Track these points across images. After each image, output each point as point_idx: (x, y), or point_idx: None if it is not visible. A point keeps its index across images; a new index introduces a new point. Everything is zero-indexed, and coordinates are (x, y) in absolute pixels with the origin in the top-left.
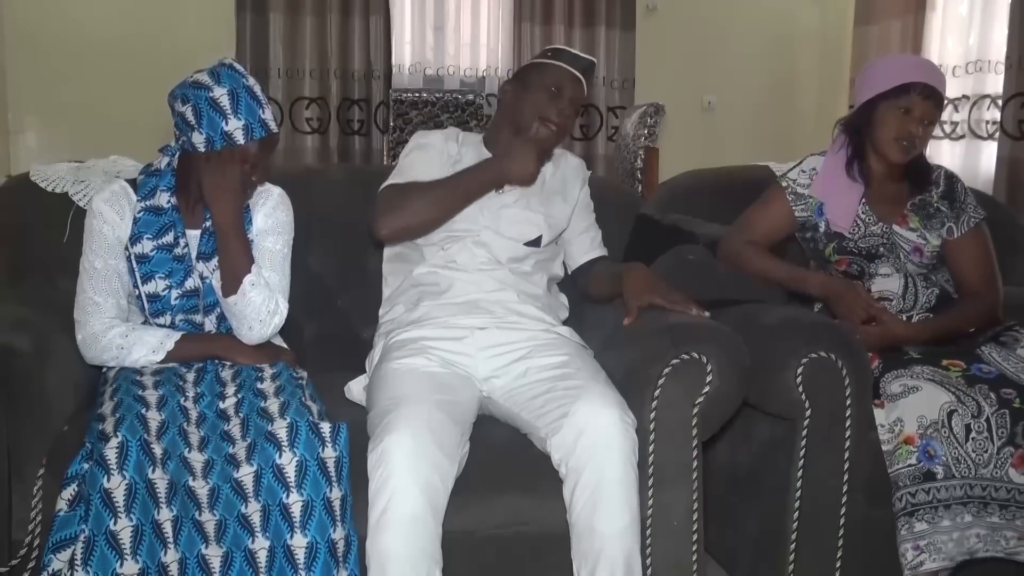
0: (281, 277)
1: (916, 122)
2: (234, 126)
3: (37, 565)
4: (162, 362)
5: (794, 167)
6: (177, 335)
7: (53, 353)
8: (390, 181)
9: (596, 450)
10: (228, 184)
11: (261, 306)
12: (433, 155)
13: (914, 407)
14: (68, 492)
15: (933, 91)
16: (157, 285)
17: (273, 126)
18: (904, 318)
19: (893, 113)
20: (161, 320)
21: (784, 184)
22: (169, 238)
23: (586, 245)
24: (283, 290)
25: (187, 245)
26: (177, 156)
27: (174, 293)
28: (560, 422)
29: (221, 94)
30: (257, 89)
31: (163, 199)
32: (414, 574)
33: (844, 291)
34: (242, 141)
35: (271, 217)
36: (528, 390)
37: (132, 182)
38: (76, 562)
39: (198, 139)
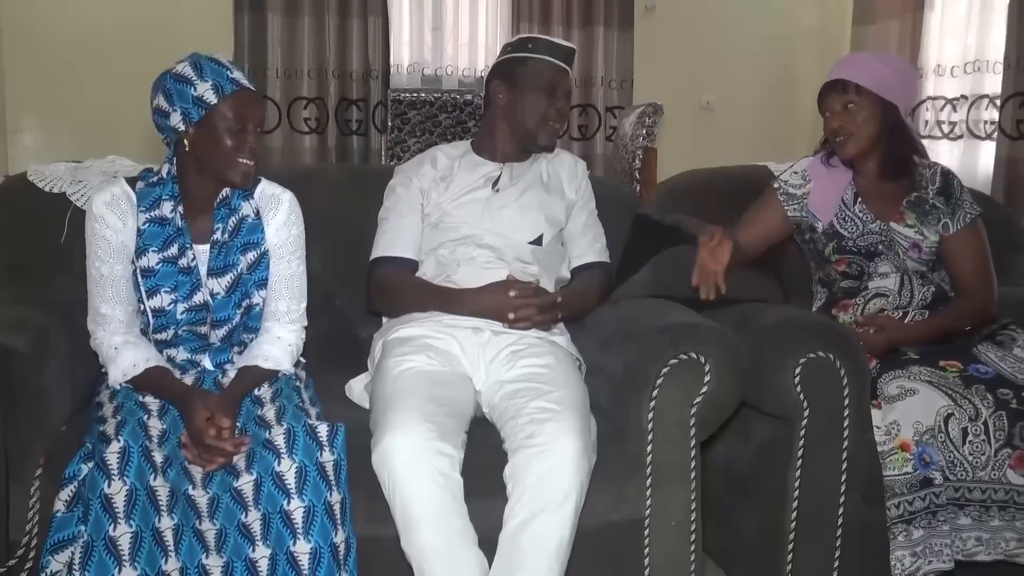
0: (299, 301)
1: (835, 117)
2: (203, 88)
3: (35, 566)
4: (129, 383)
5: (788, 168)
6: (152, 362)
7: (51, 353)
8: (377, 251)
9: (544, 477)
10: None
11: (294, 358)
12: (405, 195)
13: (910, 412)
14: (66, 493)
15: (834, 84)
16: (163, 299)
17: (245, 82)
18: (900, 315)
19: (826, 115)
20: (162, 335)
21: (776, 185)
22: (174, 250)
23: (581, 247)
24: (301, 315)
25: (195, 258)
26: (174, 162)
27: (180, 307)
28: (523, 441)
29: (183, 66)
30: (224, 59)
31: (167, 208)
32: (456, 561)
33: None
34: (215, 100)
35: (282, 232)
36: (508, 404)
37: (131, 182)
38: (74, 566)
39: (176, 119)
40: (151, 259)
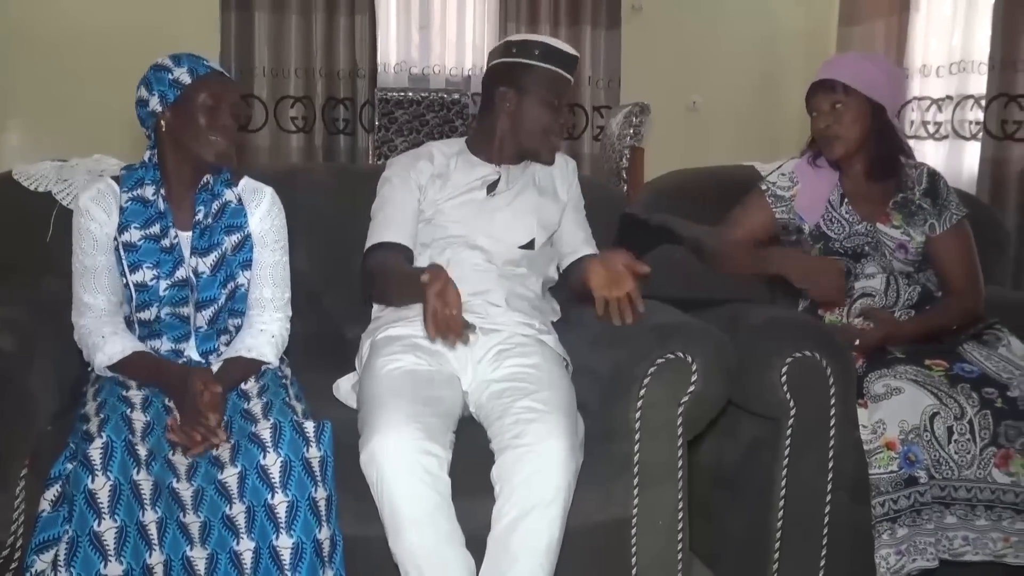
0: (283, 290)
1: (822, 117)
2: (178, 72)
3: (20, 566)
4: (114, 368)
5: (775, 170)
6: (139, 347)
7: (36, 353)
8: (372, 239)
9: (531, 478)
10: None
11: (279, 351)
12: (401, 186)
13: (896, 410)
14: (51, 492)
15: (822, 83)
16: (145, 275)
17: (219, 69)
18: None
19: (813, 114)
20: (146, 314)
21: (764, 187)
22: (156, 229)
23: (576, 243)
24: (285, 303)
25: (177, 236)
26: (155, 150)
27: (163, 284)
28: (511, 441)
29: (163, 58)
30: (204, 57)
31: (148, 191)
32: (444, 561)
33: (817, 269)
34: (189, 80)
35: (266, 222)
36: (494, 404)
37: (117, 179)
38: (59, 563)
39: (154, 103)
40: (133, 235)
